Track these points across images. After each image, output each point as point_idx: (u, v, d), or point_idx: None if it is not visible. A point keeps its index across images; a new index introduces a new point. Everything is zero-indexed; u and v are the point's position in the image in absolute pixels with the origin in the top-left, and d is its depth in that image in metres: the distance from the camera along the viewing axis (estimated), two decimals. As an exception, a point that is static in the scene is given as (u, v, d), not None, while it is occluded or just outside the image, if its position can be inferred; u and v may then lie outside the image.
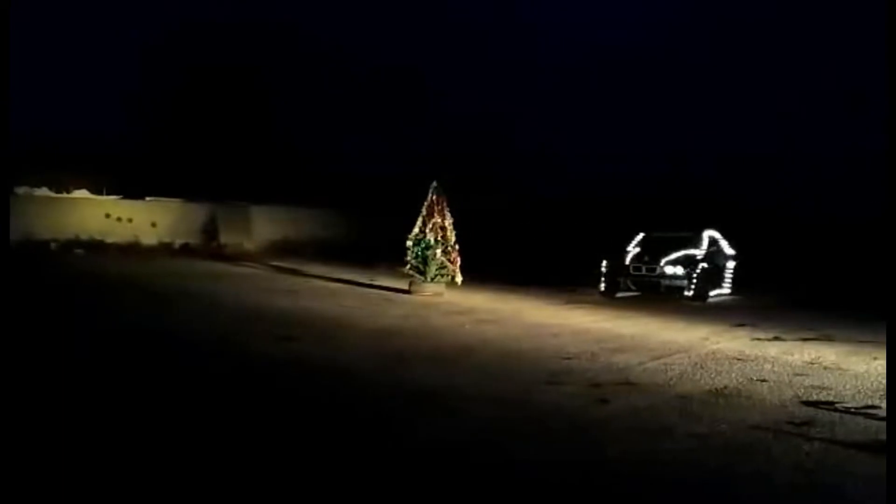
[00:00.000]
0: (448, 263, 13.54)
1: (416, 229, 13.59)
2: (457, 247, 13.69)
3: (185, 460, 4.29)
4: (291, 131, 32.26)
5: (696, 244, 16.30)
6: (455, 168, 24.96)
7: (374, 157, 30.81)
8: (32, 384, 5.68)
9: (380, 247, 18.84)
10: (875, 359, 8.45)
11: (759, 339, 9.72)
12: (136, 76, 31.10)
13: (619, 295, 15.57)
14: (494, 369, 7.15)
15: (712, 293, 15.82)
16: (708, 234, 16.79)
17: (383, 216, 20.89)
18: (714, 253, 16.51)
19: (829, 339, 9.94)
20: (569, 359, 7.76)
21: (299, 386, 6.19)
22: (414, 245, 13.55)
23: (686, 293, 15.07)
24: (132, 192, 22.71)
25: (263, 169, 27.56)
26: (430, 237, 13.43)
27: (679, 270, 15.28)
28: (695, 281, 15.10)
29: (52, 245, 19.27)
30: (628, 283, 15.76)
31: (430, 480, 4.16)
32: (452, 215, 13.80)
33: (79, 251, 19.18)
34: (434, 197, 13.64)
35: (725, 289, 16.61)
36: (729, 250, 17.18)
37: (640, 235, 17.06)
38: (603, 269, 15.88)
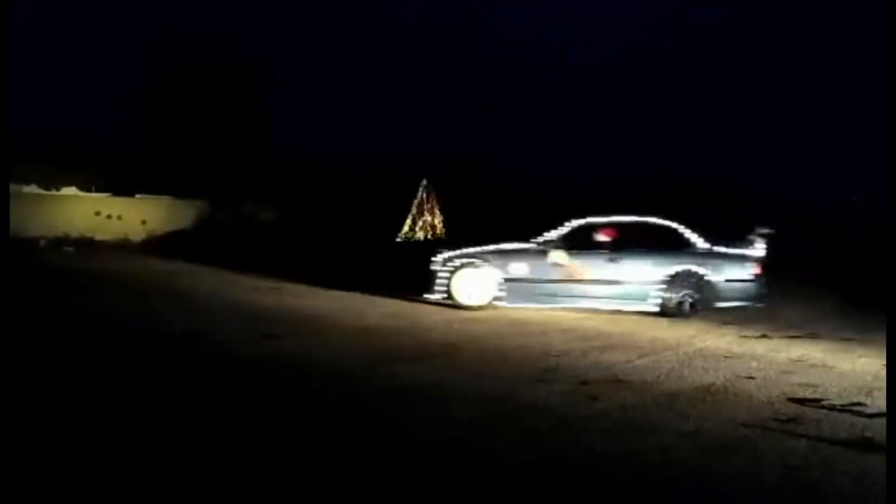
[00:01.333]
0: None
1: (406, 227, 13.49)
2: (446, 244, 13.51)
3: (195, 456, 4.42)
4: (289, 130, 32.24)
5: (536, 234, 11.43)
6: (454, 167, 24.89)
7: (373, 157, 30.75)
8: (32, 386, 5.68)
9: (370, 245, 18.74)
10: (861, 357, 8.38)
11: (746, 337, 9.60)
12: (131, 74, 31.01)
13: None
14: (483, 367, 7.17)
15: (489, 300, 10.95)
16: (579, 222, 11.78)
17: (376, 215, 20.78)
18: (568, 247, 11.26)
19: (815, 337, 9.84)
20: (557, 356, 7.72)
21: (298, 386, 6.30)
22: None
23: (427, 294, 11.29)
24: (122, 189, 22.61)
25: (257, 167, 27.45)
26: (420, 235, 13.32)
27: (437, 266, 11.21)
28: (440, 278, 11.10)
29: (41, 242, 19.11)
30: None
31: (430, 480, 4.20)
32: (449, 214, 13.70)
33: (68, 249, 19.03)
34: (424, 195, 13.55)
35: (641, 305, 10.92)
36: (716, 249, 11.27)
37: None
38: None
